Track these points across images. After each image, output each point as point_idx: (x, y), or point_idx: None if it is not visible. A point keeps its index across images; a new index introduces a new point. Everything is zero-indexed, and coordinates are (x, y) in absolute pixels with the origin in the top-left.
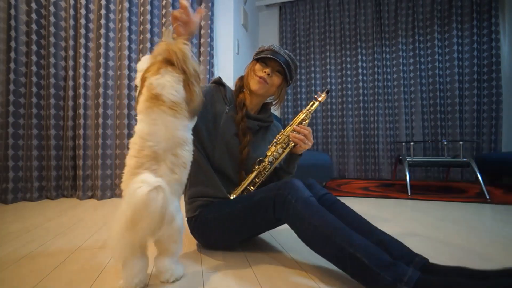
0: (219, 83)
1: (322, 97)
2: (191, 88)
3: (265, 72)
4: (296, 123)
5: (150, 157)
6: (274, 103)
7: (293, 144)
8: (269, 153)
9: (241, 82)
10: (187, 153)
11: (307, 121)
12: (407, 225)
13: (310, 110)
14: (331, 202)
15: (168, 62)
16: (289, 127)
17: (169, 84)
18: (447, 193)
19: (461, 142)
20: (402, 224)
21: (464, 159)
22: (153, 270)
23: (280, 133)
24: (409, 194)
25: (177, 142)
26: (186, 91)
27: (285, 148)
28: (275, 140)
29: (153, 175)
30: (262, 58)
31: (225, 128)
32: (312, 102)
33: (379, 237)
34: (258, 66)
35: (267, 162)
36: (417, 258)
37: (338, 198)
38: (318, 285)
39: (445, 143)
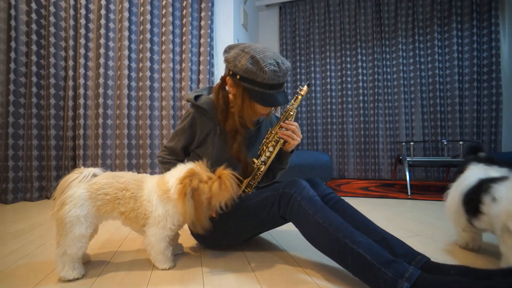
0: (196, 106)
1: (303, 90)
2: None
3: (268, 109)
4: (282, 120)
5: None
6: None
7: (282, 141)
8: (261, 153)
9: (224, 100)
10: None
11: (293, 116)
12: (407, 225)
13: (294, 105)
14: (335, 201)
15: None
16: (276, 125)
17: None
18: None
19: (461, 142)
20: (402, 224)
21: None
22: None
23: (269, 132)
24: (409, 194)
25: None
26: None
27: (275, 146)
28: (264, 139)
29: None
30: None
31: (218, 154)
32: (295, 97)
33: (381, 235)
34: (259, 107)
35: (260, 163)
36: (419, 256)
37: None
38: (318, 284)
39: (445, 143)
